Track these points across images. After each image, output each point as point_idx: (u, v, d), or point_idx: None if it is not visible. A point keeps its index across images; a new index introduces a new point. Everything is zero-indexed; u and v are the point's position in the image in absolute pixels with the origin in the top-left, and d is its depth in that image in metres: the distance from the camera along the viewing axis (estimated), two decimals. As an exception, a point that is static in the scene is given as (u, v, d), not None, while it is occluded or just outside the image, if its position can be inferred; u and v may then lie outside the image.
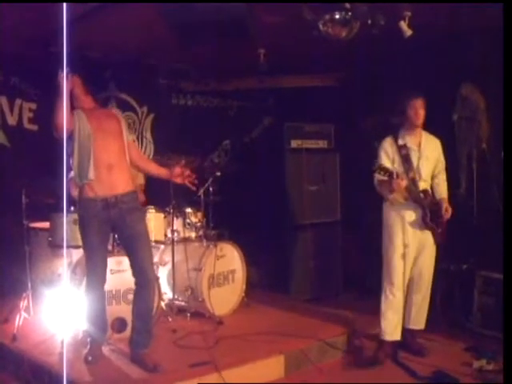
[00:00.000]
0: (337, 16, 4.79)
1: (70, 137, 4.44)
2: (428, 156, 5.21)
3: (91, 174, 4.47)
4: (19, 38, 5.74)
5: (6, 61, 6.47)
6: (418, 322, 5.32)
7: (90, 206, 4.53)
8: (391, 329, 5.12)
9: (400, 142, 5.14)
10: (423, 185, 5.16)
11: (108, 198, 4.51)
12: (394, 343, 5.17)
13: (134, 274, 4.67)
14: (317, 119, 7.23)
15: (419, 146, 5.19)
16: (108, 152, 4.57)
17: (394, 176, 4.79)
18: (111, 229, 4.70)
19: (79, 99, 4.63)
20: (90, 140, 4.50)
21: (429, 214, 5.09)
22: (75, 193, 4.78)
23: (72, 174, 4.62)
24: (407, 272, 5.11)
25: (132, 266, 4.67)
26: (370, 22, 4.90)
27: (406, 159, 5.08)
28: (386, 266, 5.14)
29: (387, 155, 5.13)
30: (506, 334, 3.68)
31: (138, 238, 4.64)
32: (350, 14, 4.75)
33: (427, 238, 5.19)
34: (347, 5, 4.71)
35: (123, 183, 4.61)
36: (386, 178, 4.84)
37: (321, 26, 4.87)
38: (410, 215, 5.11)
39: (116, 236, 5.16)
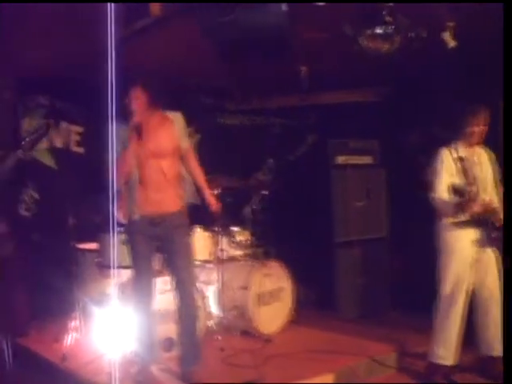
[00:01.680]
0: (378, 30, 4.77)
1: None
2: (484, 168, 5.07)
3: (139, 195, 4.55)
4: (64, 62, 5.85)
5: (53, 85, 6.62)
6: (494, 347, 4.96)
7: (137, 223, 4.59)
8: (451, 352, 4.89)
9: (457, 153, 4.93)
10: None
11: (154, 216, 4.57)
12: (452, 367, 4.97)
13: (176, 289, 4.69)
14: (361, 135, 7.19)
15: (477, 157, 5.06)
16: (159, 177, 4.61)
17: (468, 196, 4.63)
18: (157, 247, 4.73)
19: (138, 111, 4.59)
20: (141, 169, 4.57)
21: (495, 229, 4.89)
22: (121, 215, 4.80)
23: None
24: (469, 293, 4.96)
25: (175, 283, 4.70)
26: (412, 34, 4.86)
27: (465, 172, 4.85)
28: (450, 286, 4.87)
29: (445, 168, 4.91)
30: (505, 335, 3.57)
31: (180, 254, 4.67)
32: (391, 27, 4.72)
33: (492, 255, 4.94)
34: (389, 18, 4.68)
35: (170, 202, 4.66)
36: (457, 200, 4.66)
37: (362, 41, 4.85)
38: (475, 232, 4.87)
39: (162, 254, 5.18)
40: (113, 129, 4.41)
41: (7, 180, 4.71)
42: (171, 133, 4.73)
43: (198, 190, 5.05)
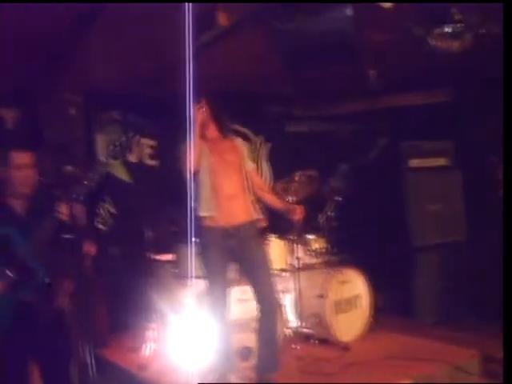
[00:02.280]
0: (447, 29, 4.68)
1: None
2: None
3: (213, 207, 4.59)
4: (135, 76, 5.97)
5: (124, 100, 6.76)
6: None
7: (210, 235, 4.63)
8: None
9: None
10: None
11: (228, 228, 4.60)
12: None
13: (257, 300, 4.70)
14: (433, 137, 7.06)
15: None
16: (228, 184, 4.67)
17: None
18: (232, 258, 4.76)
19: (204, 127, 4.66)
20: (211, 172, 4.62)
21: None
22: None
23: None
24: None
25: (254, 292, 4.71)
26: (483, 31, 4.75)
27: None
28: None
29: None
30: (506, 333, 3.42)
31: (257, 264, 4.70)
32: (461, 25, 4.63)
33: None
34: (458, 16, 4.59)
35: (242, 213, 4.70)
36: None
37: (431, 41, 4.76)
38: None
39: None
40: (190, 140, 4.47)
41: (87, 194, 4.83)
42: (236, 147, 4.87)
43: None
